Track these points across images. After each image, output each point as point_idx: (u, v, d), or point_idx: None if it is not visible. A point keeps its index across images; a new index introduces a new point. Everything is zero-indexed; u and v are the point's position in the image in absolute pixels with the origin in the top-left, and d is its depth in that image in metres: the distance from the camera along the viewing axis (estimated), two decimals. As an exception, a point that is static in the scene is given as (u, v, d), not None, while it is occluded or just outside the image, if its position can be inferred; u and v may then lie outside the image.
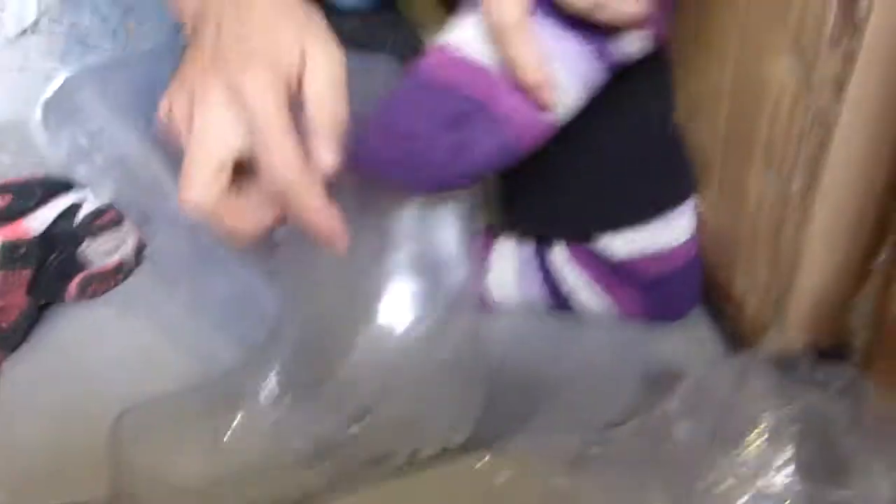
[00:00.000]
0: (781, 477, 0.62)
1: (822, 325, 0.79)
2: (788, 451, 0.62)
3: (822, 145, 0.71)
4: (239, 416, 0.73)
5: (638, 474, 0.69)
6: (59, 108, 0.86)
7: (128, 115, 0.88)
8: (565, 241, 0.90)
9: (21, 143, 0.98)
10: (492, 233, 0.95)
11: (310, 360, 0.74)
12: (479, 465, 0.74)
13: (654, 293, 0.90)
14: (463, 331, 0.78)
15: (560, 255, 0.91)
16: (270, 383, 0.73)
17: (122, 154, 0.86)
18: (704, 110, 0.86)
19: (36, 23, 0.96)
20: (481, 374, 0.80)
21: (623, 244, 0.87)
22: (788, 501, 0.61)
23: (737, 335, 0.88)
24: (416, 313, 0.75)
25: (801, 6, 0.70)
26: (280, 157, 0.60)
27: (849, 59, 0.67)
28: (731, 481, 0.63)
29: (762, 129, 0.77)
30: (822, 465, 0.66)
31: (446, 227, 0.77)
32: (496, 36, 0.63)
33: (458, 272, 0.77)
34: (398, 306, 0.75)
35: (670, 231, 0.87)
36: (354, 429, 0.74)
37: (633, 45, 0.70)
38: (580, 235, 0.89)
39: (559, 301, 0.92)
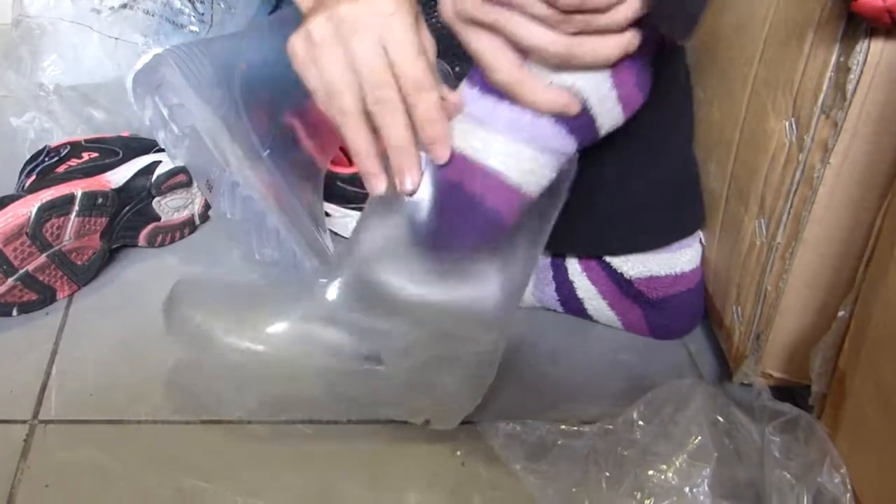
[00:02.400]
0: (695, 493, 0.69)
1: (792, 366, 0.86)
2: (706, 472, 0.70)
3: (807, 202, 0.78)
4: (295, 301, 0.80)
5: (588, 469, 0.77)
6: (147, 81, 0.95)
7: (204, 92, 0.98)
8: (579, 257, 0.99)
9: (114, 103, 1.10)
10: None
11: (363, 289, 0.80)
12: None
13: (656, 313, 0.98)
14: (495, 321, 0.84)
15: (573, 267, 0.99)
16: (332, 286, 0.79)
17: (196, 127, 0.96)
18: (717, 156, 0.93)
19: (136, -1, 1.06)
20: (496, 363, 0.85)
21: (634, 266, 0.95)
22: (697, 517, 0.68)
23: (725, 358, 0.95)
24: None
25: (802, 75, 0.76)
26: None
27: (836, 126, 0.73)
28: (655, 490, 0.70)
29: (759, 181, 0.83)
30: (747, 490, 0.74)
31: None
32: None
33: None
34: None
35: (678, 259, 0.95)
36: (386, 365, 0.81)
37: (604, 123, 0.75)
38: (595, 254, 0.97)
39: (572, 307, 1.01)
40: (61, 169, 1.00)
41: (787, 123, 0.79)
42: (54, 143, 1.06)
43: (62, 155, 1.02)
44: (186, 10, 1.08)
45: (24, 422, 0.86)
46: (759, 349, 0.87)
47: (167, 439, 0.85)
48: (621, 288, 0.97)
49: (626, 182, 0.91)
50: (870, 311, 0.71)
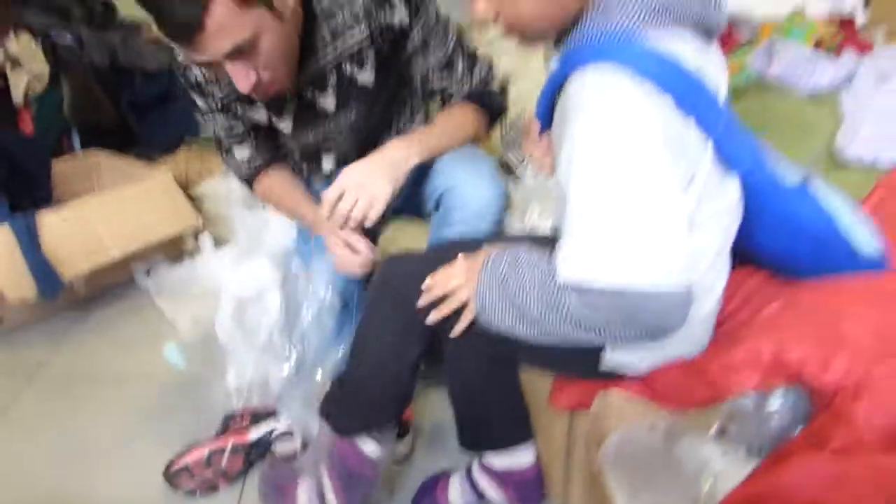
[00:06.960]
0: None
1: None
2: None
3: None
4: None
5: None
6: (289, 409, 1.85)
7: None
8: (478, 460, 1.67)
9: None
10: (446, 476, 1.75)
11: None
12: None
13: (519, 491, 1.65)
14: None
15: (476, 470, 1.69)
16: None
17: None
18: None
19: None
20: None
21: (499, 461, 1.63)
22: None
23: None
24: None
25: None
26: None
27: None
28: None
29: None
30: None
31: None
32: None
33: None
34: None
35: (521, 457, 1.63)
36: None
37: None
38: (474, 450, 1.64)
39: (478, 498, 1.69)
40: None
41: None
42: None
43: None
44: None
45: None
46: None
47: None
48: (500, 476, 1.62)
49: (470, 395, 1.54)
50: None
